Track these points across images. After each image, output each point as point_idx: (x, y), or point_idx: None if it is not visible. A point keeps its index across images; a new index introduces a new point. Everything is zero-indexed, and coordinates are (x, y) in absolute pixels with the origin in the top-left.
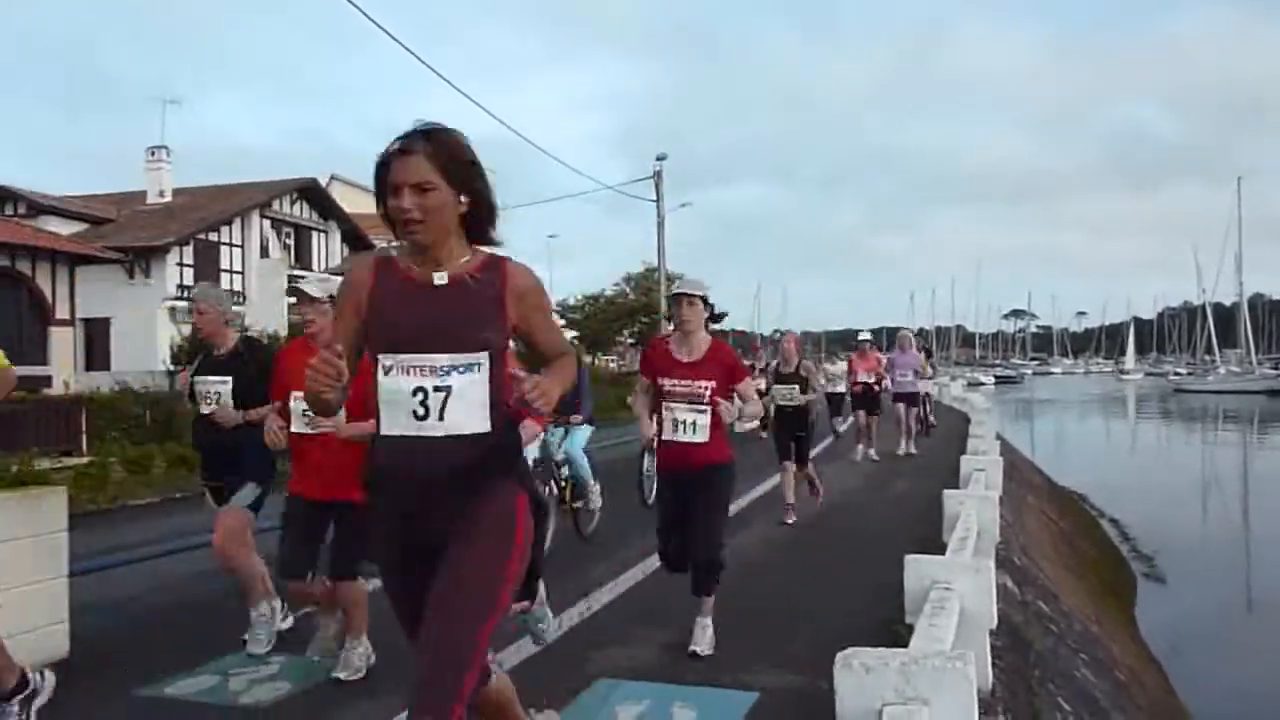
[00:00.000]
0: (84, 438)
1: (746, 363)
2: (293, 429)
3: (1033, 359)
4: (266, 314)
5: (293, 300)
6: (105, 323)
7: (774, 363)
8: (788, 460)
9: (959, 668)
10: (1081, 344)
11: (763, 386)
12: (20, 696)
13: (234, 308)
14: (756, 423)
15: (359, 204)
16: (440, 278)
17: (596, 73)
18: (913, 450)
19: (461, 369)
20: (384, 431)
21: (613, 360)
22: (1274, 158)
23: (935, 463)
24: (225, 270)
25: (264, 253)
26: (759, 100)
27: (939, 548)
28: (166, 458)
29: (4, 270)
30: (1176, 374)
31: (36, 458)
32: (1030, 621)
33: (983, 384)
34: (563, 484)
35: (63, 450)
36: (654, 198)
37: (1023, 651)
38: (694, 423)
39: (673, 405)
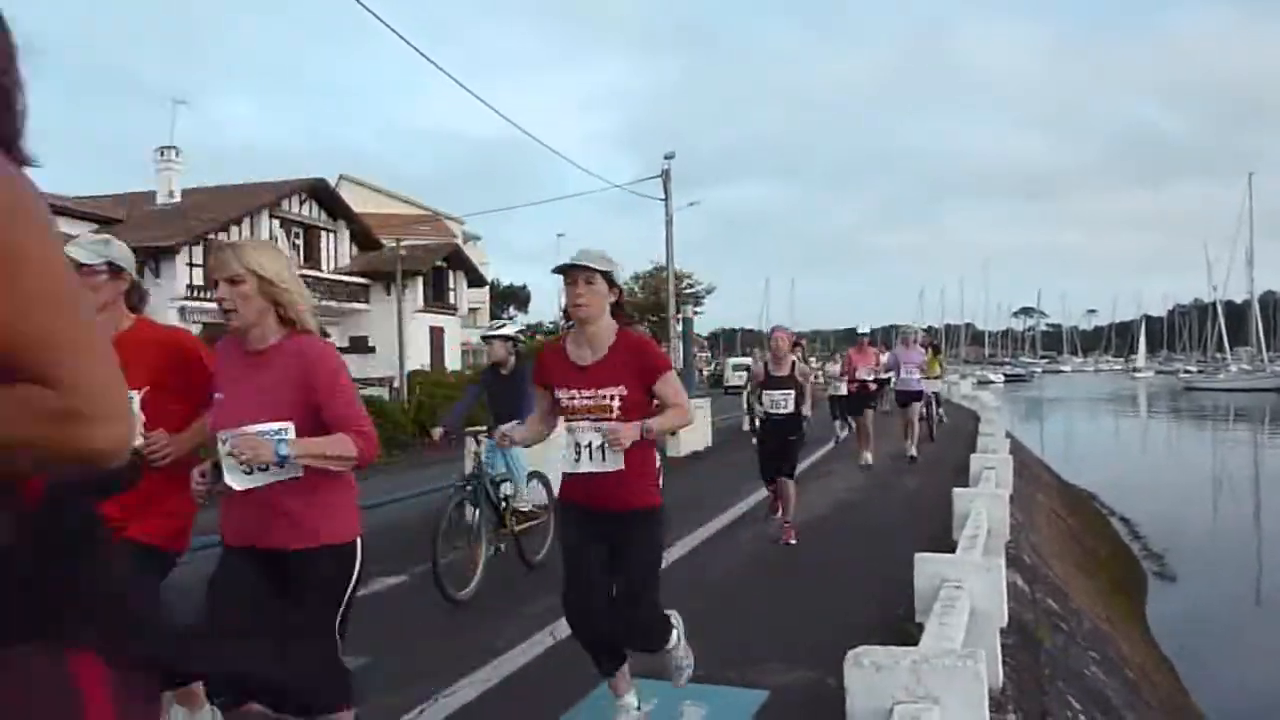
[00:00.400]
0: None
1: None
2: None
3: (1042, 357)
4: None
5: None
6: None
7: (763, 362)
8: (772, 485)
9: (970, 666)
10: (1091, 342)
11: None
12: None
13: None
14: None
15: (368, 204)
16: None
17: (601, 71)
18: (915, 454)
19: None
20: None
21: None
22: None
23: (944, 461)
24: None
25: None
26: (765, 98)
27: (949, 546)
28: None
29: None
30: (1187, 372)
31: None
32: (1040, 620)
33: (992, 382)
34: (501, 505)
35: None
36: (662, 196)
37: (1033, 650)
38: (602, 447)
39: (574, 424)
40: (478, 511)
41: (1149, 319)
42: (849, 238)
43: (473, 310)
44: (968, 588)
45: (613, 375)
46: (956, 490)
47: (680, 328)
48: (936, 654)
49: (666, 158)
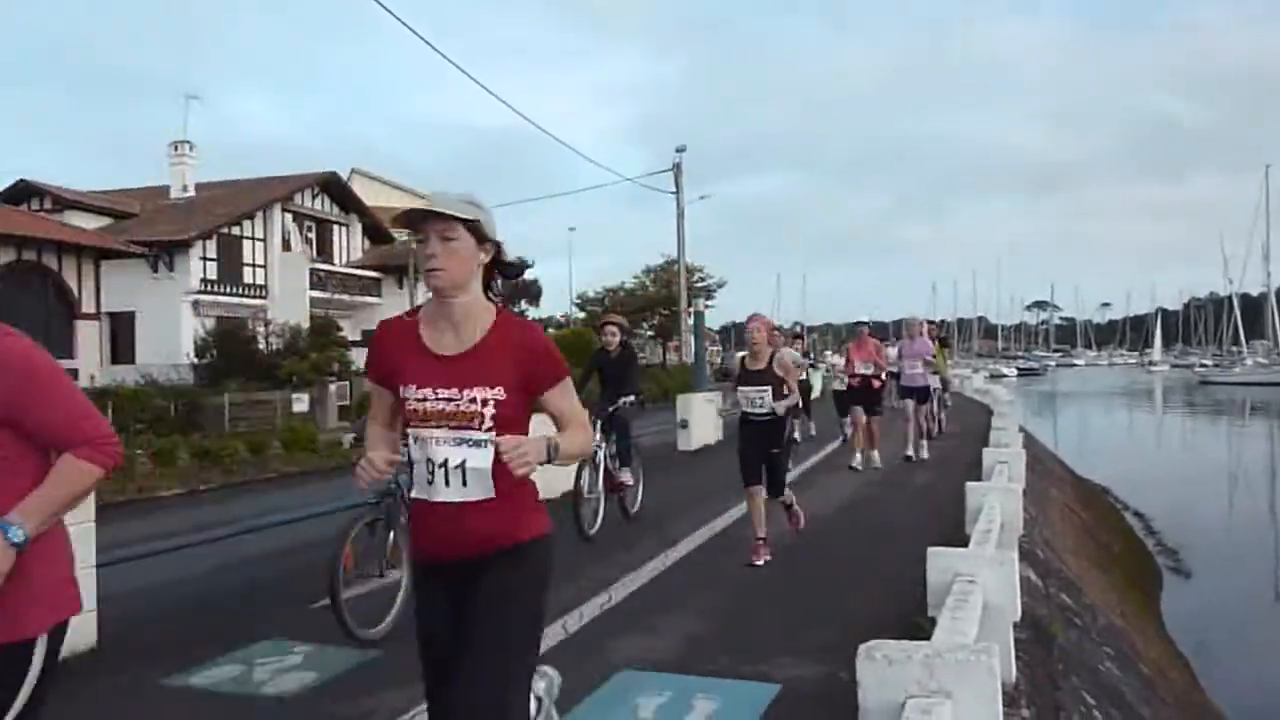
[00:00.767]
0: None
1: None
2: None
3: (1056, 351)
4: (289, 307)
5: (316, 293)
6: (130, 316)
7: (739, 356)
8: (755, 485)
9: (983, 660)
10: (1105, 336)
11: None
12: None
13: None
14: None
15: (379, 197)
16: None
17: (612, 64)
18: (924, 455)
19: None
20: None
21: None
22: None
23: (957, 456)
24: (247, 264)
25: (286, 246)
26: (777, 91)
27: (962, 541)
28: (191, 449)
29: (30, 264)
30: (1202, 366)
31: None
32: (1054, 615)
33: (1005, 376)
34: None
35: None
36: (673, 190)
37: (1046, 645)
38: (463, 466)
39: (423, 434)
40: (392, 534)
41: (1164, 312)
42: (861, 231)
43: None
44: (981, 582)
45: (485, 372)
46: (969, 484)
47: (692, 321)
48: (949, 648)
49: (678, 151)
